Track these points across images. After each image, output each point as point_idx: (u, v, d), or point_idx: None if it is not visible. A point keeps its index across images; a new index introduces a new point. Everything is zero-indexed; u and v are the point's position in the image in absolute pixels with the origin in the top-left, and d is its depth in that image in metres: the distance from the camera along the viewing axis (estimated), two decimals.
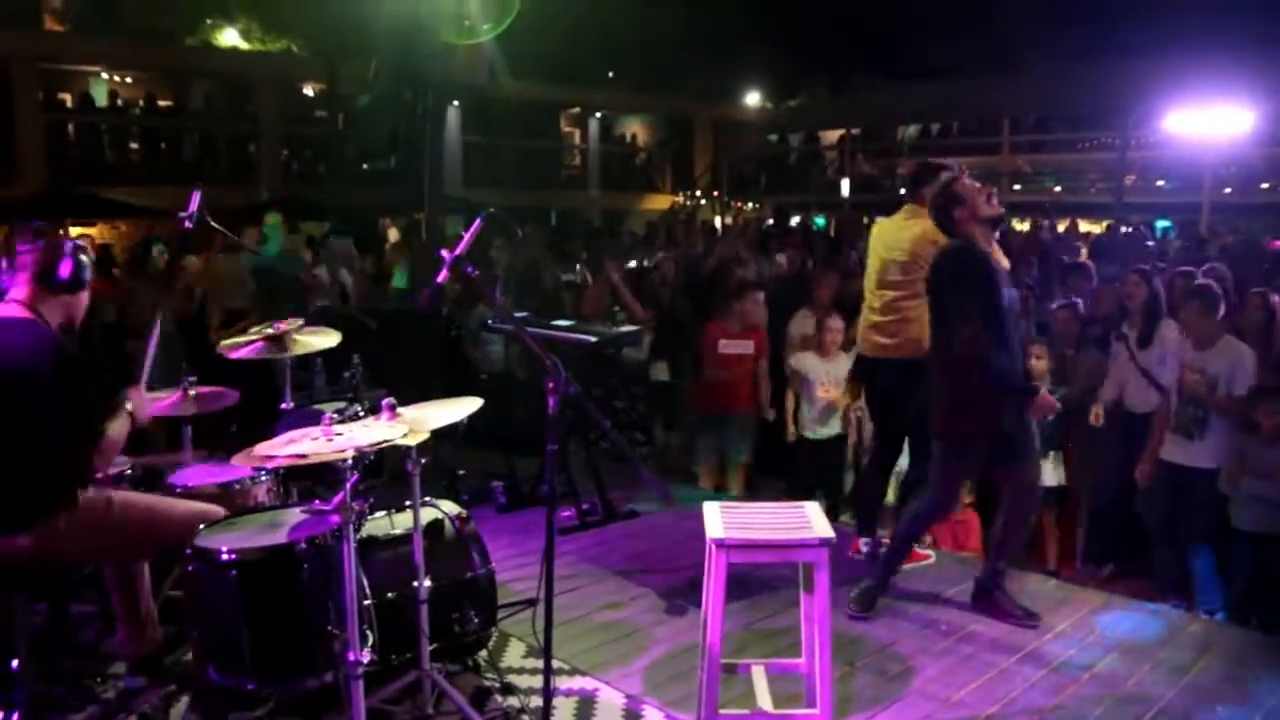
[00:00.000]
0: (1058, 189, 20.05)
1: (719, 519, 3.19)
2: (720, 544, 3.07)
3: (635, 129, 28.81)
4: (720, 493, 6.36)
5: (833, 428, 6.51)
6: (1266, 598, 5.05)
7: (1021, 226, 15.37)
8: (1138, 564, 5.94)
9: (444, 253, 3.11)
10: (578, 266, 9.74)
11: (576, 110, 26.50)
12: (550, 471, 3.14)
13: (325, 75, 18.61)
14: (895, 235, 4.85)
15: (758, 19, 25.16)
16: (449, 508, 3.82)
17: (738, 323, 6.60)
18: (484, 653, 3.89)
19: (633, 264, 10.00)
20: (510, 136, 23.39)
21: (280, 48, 22.98)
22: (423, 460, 3.41)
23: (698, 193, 25.39)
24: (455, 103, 21.82)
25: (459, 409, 3.35)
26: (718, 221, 21.03)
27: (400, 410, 3.18)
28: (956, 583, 4.78)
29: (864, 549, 5.11)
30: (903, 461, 5.34)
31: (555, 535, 5.29)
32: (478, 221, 3.24)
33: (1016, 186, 19.78)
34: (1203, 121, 13.56)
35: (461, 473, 5.55)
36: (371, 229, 17.44)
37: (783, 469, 7.22)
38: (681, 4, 23.85)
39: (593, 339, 5.20)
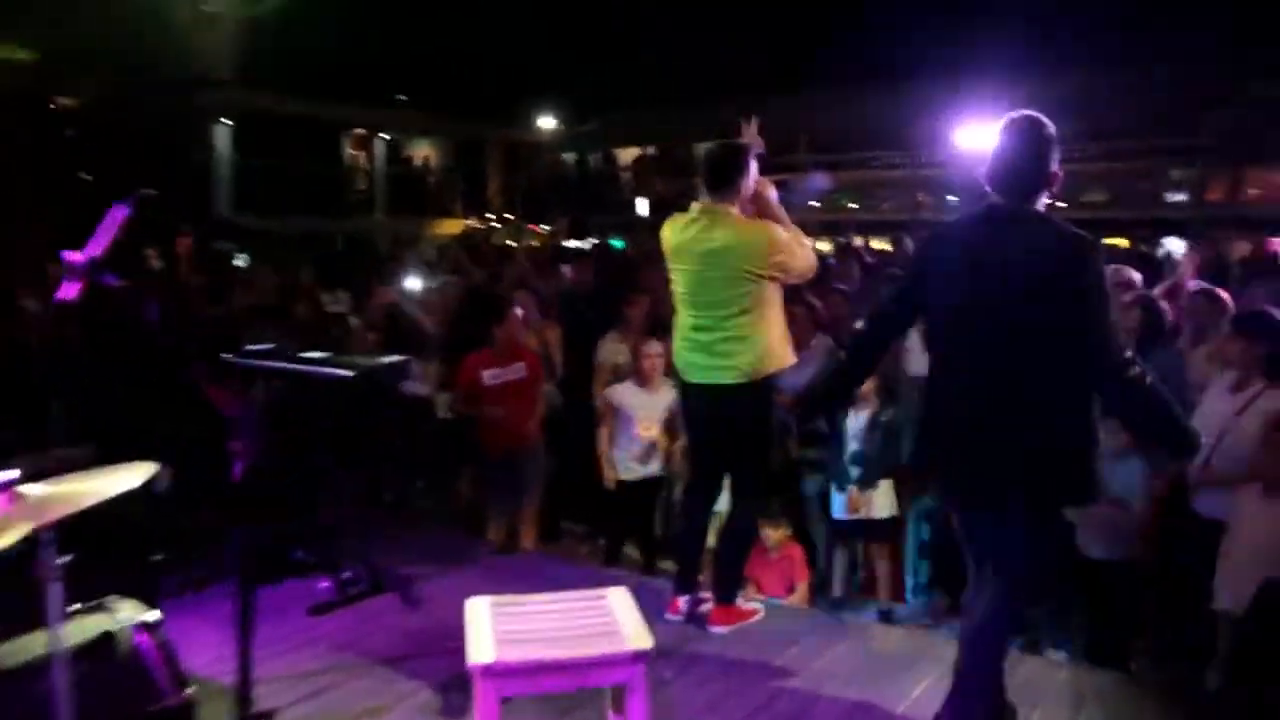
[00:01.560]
0: (853, 206, 20.30)
1: (487, 626, 2.27)
2: (488, 672, 2.15)
3: (425, 152, 27.64)
4: (504, 552, 5.49)
5: (652, 468, 5.74)
6: (1115, 633, 4.60)
7: (824, 246, 15.26)
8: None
9: (72, 255, 2.12)
10: (342, 295, 8.64)
11: (362, 132, 25.16)
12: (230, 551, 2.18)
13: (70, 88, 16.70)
14: (707, 241, 4.01)
15: (552, 39, 24.60)
16: (128, 613, 2.78)
17: (501, 348, 5.73)
18: None
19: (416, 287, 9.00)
20: (289, 158, 21.80)
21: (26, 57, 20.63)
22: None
23: (491, 216, 24.47)
24: (226, 121, 20.24)
25: (130, 476, 2.38)
26: (514, 245, 20.19)
27: (27, 489, 2.18)
28: (792, 642, 4.08)
29: (684, 608, 4.30)
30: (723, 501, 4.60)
31: (306, 615, 4.42)
32: (121, 210, 2.26)
33: (815, 204, 19.89)
34: (989, 138, 13.66)
35: (159, 558, 4.33)
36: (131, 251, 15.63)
37: (587, 511, 6.41)
38: (475, 25, 23.02)
39: (349, 373, 4.22)
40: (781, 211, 4.12)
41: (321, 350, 4.74)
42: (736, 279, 3.93)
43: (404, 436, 6.43)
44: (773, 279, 3.97)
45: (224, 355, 4.69)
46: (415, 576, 4.80)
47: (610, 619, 2.29)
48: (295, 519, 4.65)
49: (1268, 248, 8.72)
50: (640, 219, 21.37)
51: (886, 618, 5.29)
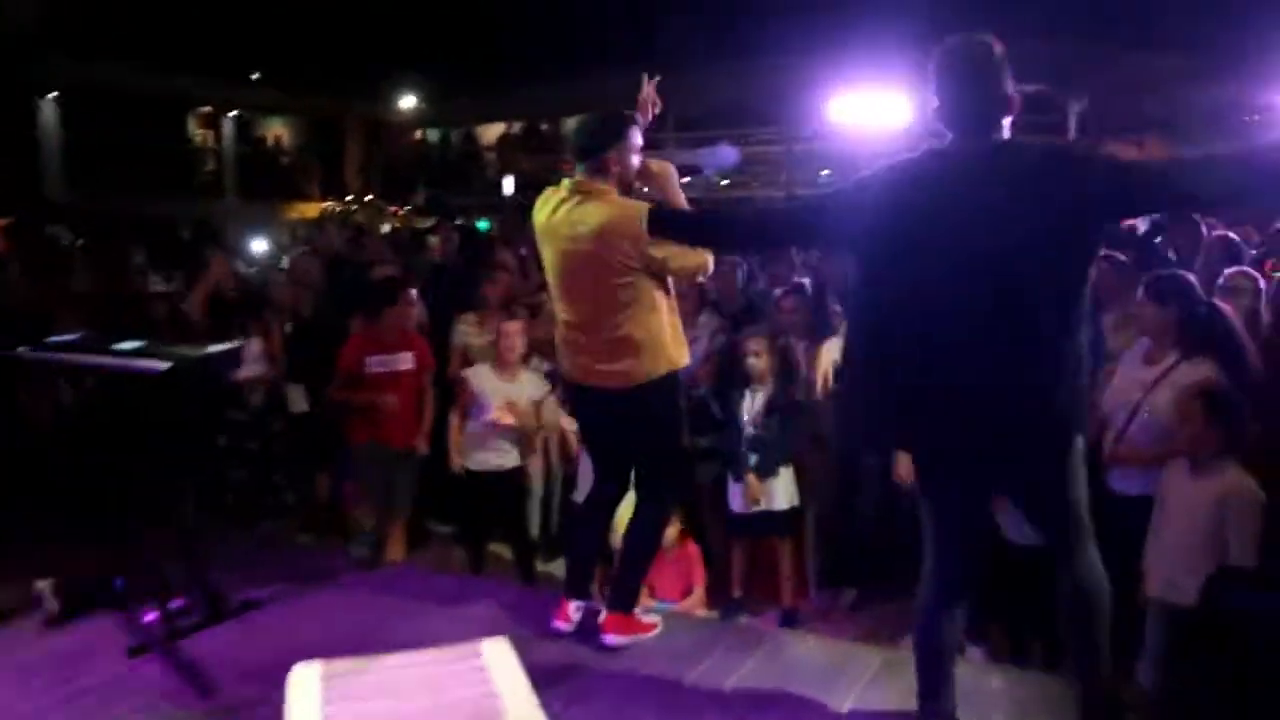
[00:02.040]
0: (725, 183, 20.08)
1: (313, 714, 1.67)
2: None
3: (278, 131, 26.29)
4: (367, 566, 4.90)
5: (508, 458, 5.20)
6: (1038, 628, 4.29)
7: None
8: (881, 588, 5.08)
9: None
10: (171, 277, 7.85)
11: (208, 110, 23.71)
12: None
13: None
14: (577, 223, 3.50)
15: (413, 12, 23.62)
16: None
17: (390, 332, 5.15)
18: None
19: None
20: (129, 136, 20.31)
21: None
22: None
23: (350, 197, 23.44)
24: (52, 95, 18.75)
25: None
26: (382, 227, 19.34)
27: None
28: (698, 661, 3.62)
29: (574, 616, 3.80)
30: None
31: (126, 657, 3.71)
32: None
33: (686, 180, 19.53)
34: (862, 110, 13.59)
35: None
36: None
37: (454, 509, 5.83)
38: (330, 2, 21.87)
39: (164, 365, 3.54)
40: (682, 198, 3.63)
41: (141, 339, 4.05)
42: (609, 268, 3.40)
43: (245, 434, 5.73)
44: (651, 274, 3.45)
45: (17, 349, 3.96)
46: (262, 600, 4.17)
47: (487, 693, 1.73)
48: (110, 541, 3.94)
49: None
50: (505, 199, 20.72)
51: (791, 619, 4.89)
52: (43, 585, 3.97)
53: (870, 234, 2.78)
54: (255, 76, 23.57)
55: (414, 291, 5.41)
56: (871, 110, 13.46)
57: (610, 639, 3.68)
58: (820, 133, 16.99)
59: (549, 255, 3.60)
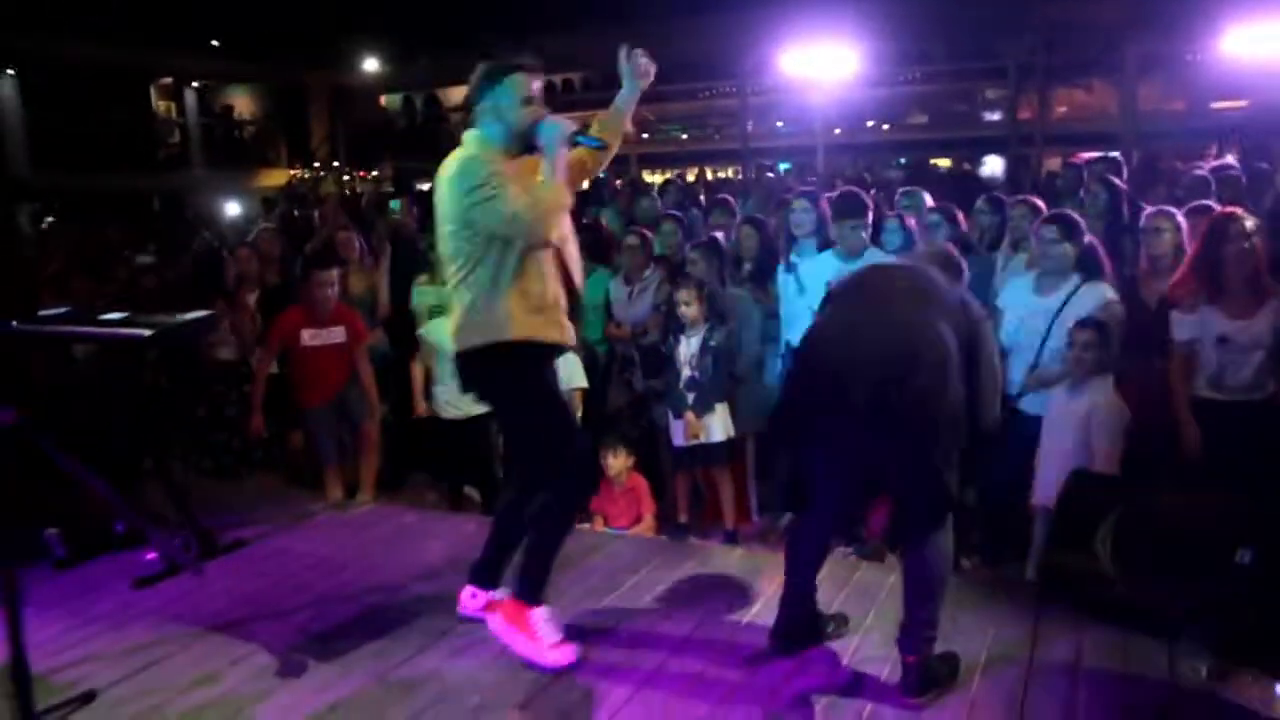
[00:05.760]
0: (684, 137, 20.40)
1: None
2: None
3: (240, 100, 26.27)
4: (342, 507, 5.35)
5: (472, 407, 5.64)
6: None
7: (653, 178, 15.26)
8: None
9: None
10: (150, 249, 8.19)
11: (169, 81, 23.65)
12: None
13: None
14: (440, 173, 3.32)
15: None
16: None
17: (317, 308, 5.59)
18: None
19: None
20: (92, 111, 20.33)
21: None
22: None
23: (317, 164, 23.53)
24: (10, 71, 18.74)
25: None
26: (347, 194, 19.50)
27: None
28: (635, 570, 4.12)
29: (466, 602, 3.66)
30: None
31: (128, 589, 4.19)
32: None
33: (645, 135, 19.90)
34: (812, 63, 13.92)
35: None
36: None
37: (428, 457, 6.31)
38: None
39: (146, 332, 3.97)
40: (557, 168, 3.24)
41: (128, 310, 4.48)
42: (443, 219, 3.27)
43: (224, 395, 6.15)
44: (469, 236, 3.19)
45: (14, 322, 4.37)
46: (249, 538, 4.65)
47: None
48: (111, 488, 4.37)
49: (1074, 160, 9.28)
50: None
51: (732, 539, 5.39)
52: (52, 532, 4.43)
53: None
54: (215, 44, 23.45)
55: (332, 270, 5.72)
56: (821, 63, 13.79)
57: (492, 621, 3.43)
58: (777, 85, 17.29)
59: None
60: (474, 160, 3.20)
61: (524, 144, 3.31)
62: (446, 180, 3.22)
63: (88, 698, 3.19)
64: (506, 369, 3.28)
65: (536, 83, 3.32)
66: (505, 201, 3.10)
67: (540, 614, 3.34)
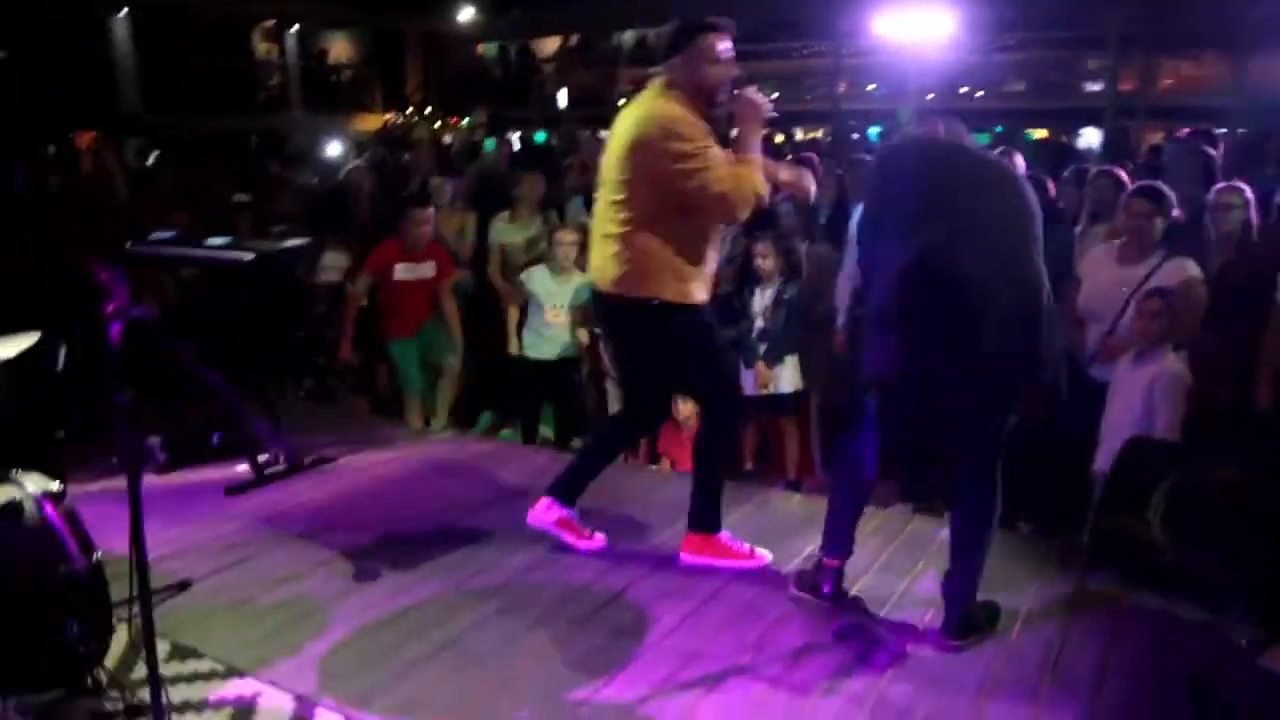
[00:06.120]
0: (775, 96, 20.23)
1: None
2: None
3: (338, 45, 26.75)
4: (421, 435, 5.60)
5: (563, 350, 5.85)
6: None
7: None
8: (883, 467, 5.66)
9: None
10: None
11: (271, 24, 24.19)
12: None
13: None
14: (622, 119, 3.45)
15: None
16: (35, 484, 2.83)
17: (411, 243, 5.80)
18: (106, 666, 2.97)
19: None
20: (196, 54, 20.95)
21: None
22: None
23: (410, 110, 23.90)
24: (122, 13, 19.34)
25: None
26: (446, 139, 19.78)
27: None
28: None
29: (543, 512, 3.85)
30: None
31: (222, 495, 4.49)
32: None
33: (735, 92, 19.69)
34: (907, 26, 13.76)
35: (61, 435, 4.25)
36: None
37: (504, 398, 6.54)
38: None
39: (248, 256, 4.23)
40: (755, 142, 3.38)
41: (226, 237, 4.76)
42: (619, 166, 3.36)
43: (320, 323, 6.44)
44: (659, 195, 3.30)
45: (129, 244, 4.68)
46: (331, 457, 4.93)
47: None
48: (210, 403, 4.69)
49: (1179, 135, 8.99)
50: (561, 112, 21.05)
51: (794, 488, 5.52)
52: (154, 440, 4.76)
53: None
54: None
55: (429, 209, 5.95)
56: (916, 26, 13.62)
57: (688, 559, 3.74)
58: (871, 48, 17.06)
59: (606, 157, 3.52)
60: (680, 121, 3.27)
61: (710, 103, 3.39)
62: (643, 132, 3.29)
63: (184, 585, 3.49)
64: (645, 324, 3.49)
65: (727, 44, 3.38)
66: (716, 180, 3.24)
67: (724, 536, 3.76)
